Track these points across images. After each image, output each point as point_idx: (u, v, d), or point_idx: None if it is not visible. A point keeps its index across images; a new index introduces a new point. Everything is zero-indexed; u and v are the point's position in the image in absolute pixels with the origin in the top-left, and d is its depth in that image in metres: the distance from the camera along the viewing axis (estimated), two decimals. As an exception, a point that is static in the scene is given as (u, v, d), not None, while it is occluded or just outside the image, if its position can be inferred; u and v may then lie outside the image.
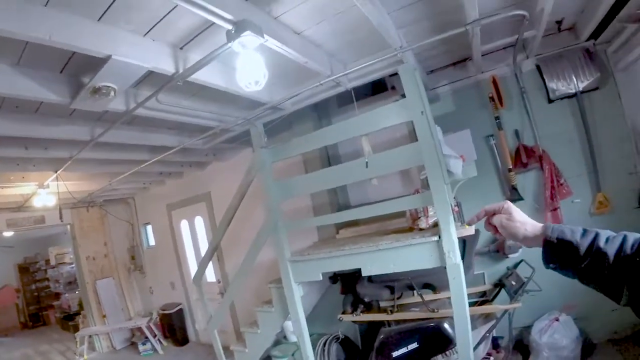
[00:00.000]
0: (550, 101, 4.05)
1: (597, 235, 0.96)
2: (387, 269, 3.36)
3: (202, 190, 6.71)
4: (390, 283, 3.96)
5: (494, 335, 3.88)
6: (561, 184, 4.04)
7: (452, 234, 2.99)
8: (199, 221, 6.99)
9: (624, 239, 0.92)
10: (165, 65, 2.63)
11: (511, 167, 4.01)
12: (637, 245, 0.89)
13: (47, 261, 13.06)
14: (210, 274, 6.65)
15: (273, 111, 3.87)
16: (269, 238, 4.16)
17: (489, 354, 3.71)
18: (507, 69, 4.07)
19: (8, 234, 7.85)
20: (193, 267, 7.20)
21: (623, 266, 0.88)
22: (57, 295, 12.49)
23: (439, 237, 3.02)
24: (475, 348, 3.33)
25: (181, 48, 2.72)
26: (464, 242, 3.48)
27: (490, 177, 3.98)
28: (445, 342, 3.50)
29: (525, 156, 4.06)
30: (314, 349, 4.28)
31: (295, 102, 3.77)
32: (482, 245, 3.96)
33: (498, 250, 3.92)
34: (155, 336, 7.59)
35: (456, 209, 3.43)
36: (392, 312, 3.97)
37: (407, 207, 3.50)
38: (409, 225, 3.64)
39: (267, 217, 4.13)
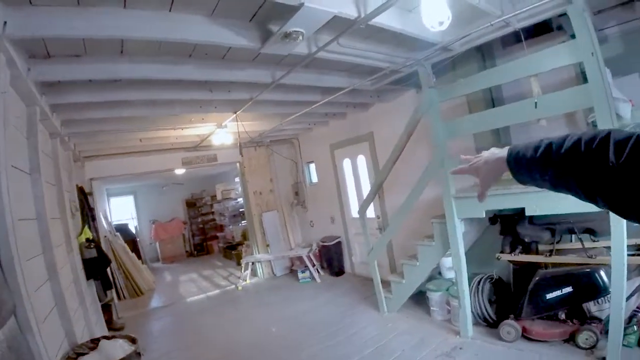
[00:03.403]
0: None
1: (551, 142, 1.02)
2: (552, 209, 3.83)
3: (365, 130, 7.61)
4: (552, 226, 4.41)
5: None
6: None
7: (618, 179, 3.32)
8: (361, 160, 8.01)
9: (580, 137, 0.95)
10: (349, 10, 3.06)
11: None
12: (600, 142, 0.90)
13: (213, 197, 15.66)
14: (370, 210, 7.46)
15: (441, 52, 4.39)
16: (434, 176, 4.81)
17: (639, 308, 3.96)
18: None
19: (180, 171, 9.81)
20: (353, 203, 8.31)
21: (591, 164, 0.91)
22: (221, 227, 15.15)
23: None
24: (627, 299, 3.64)
25: (361, -8, 3.11)
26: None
27: (658, 124, 4.00)
28: (599, 289, 3.92)
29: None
30: (468, 286, 4.89)
31: (464, 43, 4.22)
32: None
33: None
34: (314, 265, 8.94)
35: (623, 154, 3.63)
36: (550, 255, 4.40)
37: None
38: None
39: (434, 154, 4.79)
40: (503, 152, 1.20)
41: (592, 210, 3.53)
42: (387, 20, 3.40)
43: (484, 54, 5.24)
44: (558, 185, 1.05)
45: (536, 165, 1.06)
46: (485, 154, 1.30)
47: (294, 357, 5.14)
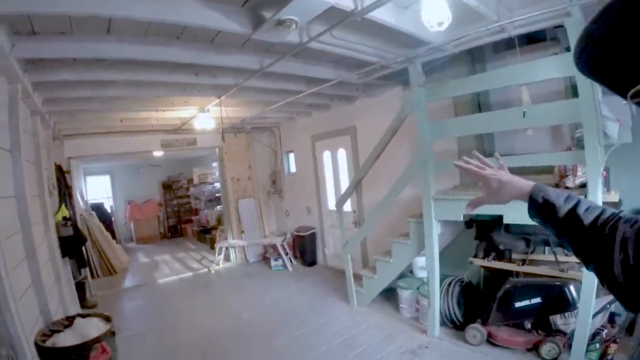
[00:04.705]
0: None
1: (578, 203, 1.09)
2: (528, 219, 3.66)
3: (347, 123, 7.39)
4: (527, 236, 4.33)
5: (613, 310, 4.04)
6: None
7: (598, 196, 3.28)
8: (342, 153, 7.79)
9: (602, 211, 1.04)
10: (346, 1, 3.02)
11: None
12: (608, 219, 1.00)
13: (190, 180, 15.32)
14: (347, 204, 7.29)
15: (433, 51, 4.23)
16: (416, 175, 4.68)
17: (603, 326, 3.93)
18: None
19: (158, 153, 9.55)
20: (331, 196, 8.17)
21: (593, 234, 1.01)
22: (196, 211, 14.83)
23: (585, 197, 3.27)
24: (594, 316, 3.59)
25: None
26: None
27: (643, 147, 3.93)
28: (568, 303, 3.85)
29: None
30: (439, 287, 4.80)
31: (458, 45, 4.07)
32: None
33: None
34: (287, 254, 8.80)
35: (604, 173, 3.56)
36: (522, 264, 4.33)
37: (557, 163, 3.76)
38: (555, 182, 3.86)
39: (418, 153, 4.64)
40: (527, 184, 1.25)
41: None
42: (383, 15, 3.25)
43: (475, 57, 5.10)
44: (562, 237, 1.15)
45: (556, 213, 1.12)
46: (505, 175, 1.32)
47: (267, 344, 5.07)
